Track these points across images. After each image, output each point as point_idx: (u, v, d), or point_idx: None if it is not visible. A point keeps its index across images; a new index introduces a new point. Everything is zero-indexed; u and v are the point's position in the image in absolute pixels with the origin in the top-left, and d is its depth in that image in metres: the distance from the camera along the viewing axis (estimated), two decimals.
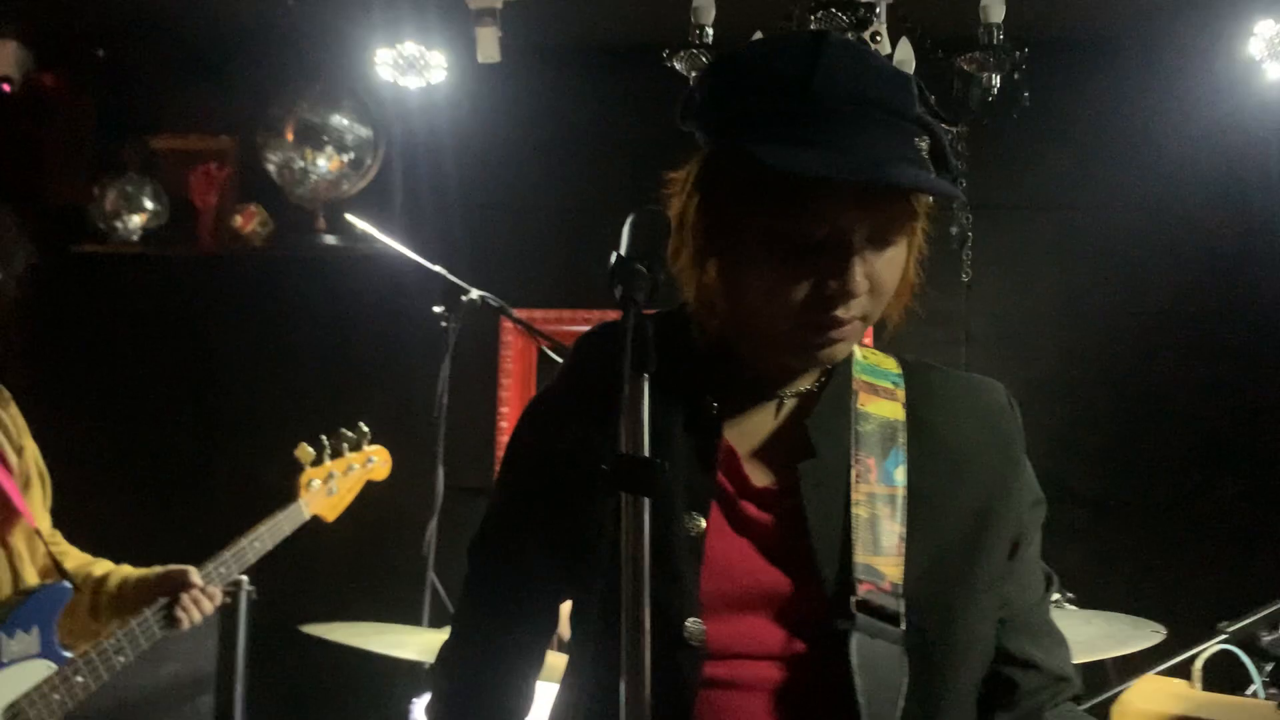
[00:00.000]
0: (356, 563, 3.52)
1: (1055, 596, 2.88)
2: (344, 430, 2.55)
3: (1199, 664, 2.05)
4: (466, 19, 3.43)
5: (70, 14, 3.60)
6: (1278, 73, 3.19)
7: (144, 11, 3.64)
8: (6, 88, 3.64)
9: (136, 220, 3.85)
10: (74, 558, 2.17)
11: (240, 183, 3.91)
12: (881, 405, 1.18)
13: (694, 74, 2.20)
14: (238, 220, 3.83)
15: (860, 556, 1.10)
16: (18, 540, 2.02)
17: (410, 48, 3.52)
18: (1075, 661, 1.25)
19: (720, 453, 1.15)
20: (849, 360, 1.20)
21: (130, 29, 3.75)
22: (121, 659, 2.03)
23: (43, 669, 1.96)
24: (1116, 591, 2.86)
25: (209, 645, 2.83)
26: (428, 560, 2.83)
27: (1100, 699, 2.00)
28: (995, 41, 2.06)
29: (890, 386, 1.20)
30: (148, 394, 3.89)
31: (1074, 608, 2.43)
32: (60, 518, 2.20)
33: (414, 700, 2.52)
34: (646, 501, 0.91)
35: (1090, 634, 2.21)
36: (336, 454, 2.51)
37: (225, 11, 3.60)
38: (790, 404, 1.19)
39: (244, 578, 2.28)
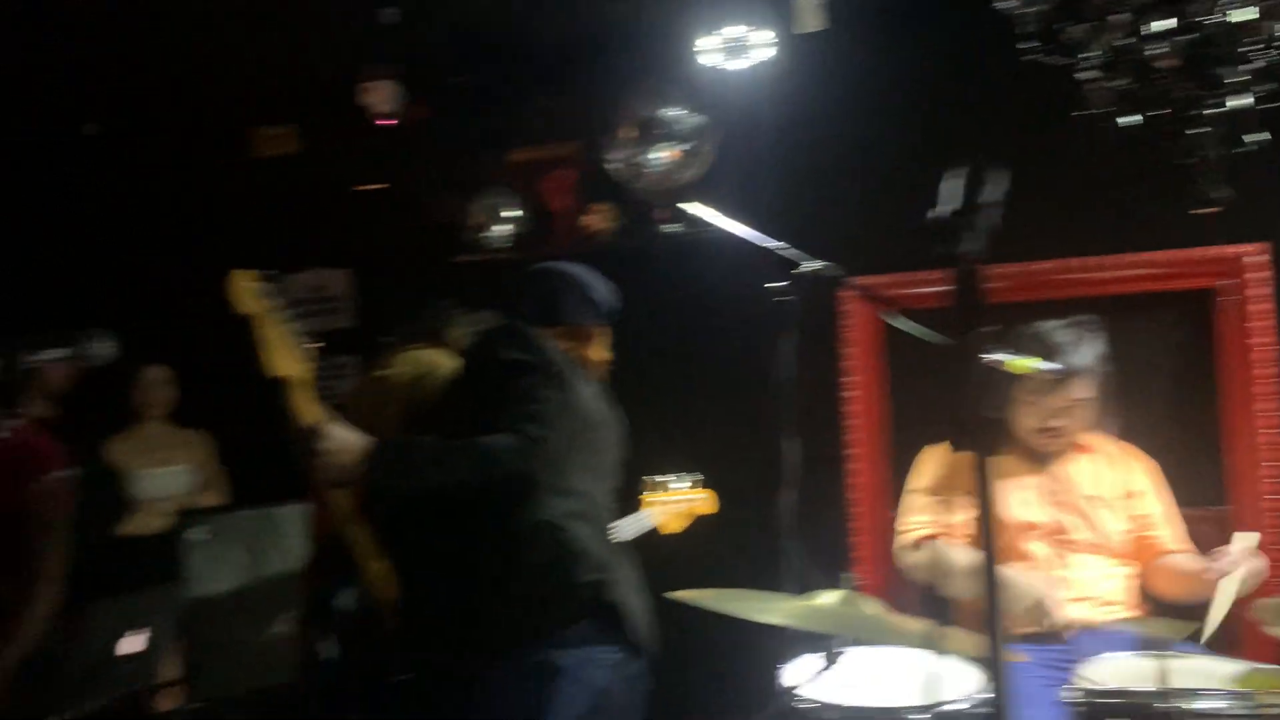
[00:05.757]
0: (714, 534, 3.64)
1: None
2: None
3: None
4: None
5: (433, 49, 3.99)
6: None
7: (492, 36, 3.96)
8: (393, 122, 4.09)
9: (504, 229, 4.20)
10: None
11: (588, 183, 4.16)
12: None
13: (1023, 14, 2.07)
14: (588, 219, 4.08)
15: None
16: None
17: (733, 30, 3.59)
18: None
19: None
20: None
21: (482, 53, 4.10)
22: None
23: None
24: None
25: None
26: (787, 529, 2.86)
27: None
28: None
29: None
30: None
31: None
32: None
33: (782, 666, 2.56)
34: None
35: None
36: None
37: (560, 24, 3.84)
38: None
39: None
